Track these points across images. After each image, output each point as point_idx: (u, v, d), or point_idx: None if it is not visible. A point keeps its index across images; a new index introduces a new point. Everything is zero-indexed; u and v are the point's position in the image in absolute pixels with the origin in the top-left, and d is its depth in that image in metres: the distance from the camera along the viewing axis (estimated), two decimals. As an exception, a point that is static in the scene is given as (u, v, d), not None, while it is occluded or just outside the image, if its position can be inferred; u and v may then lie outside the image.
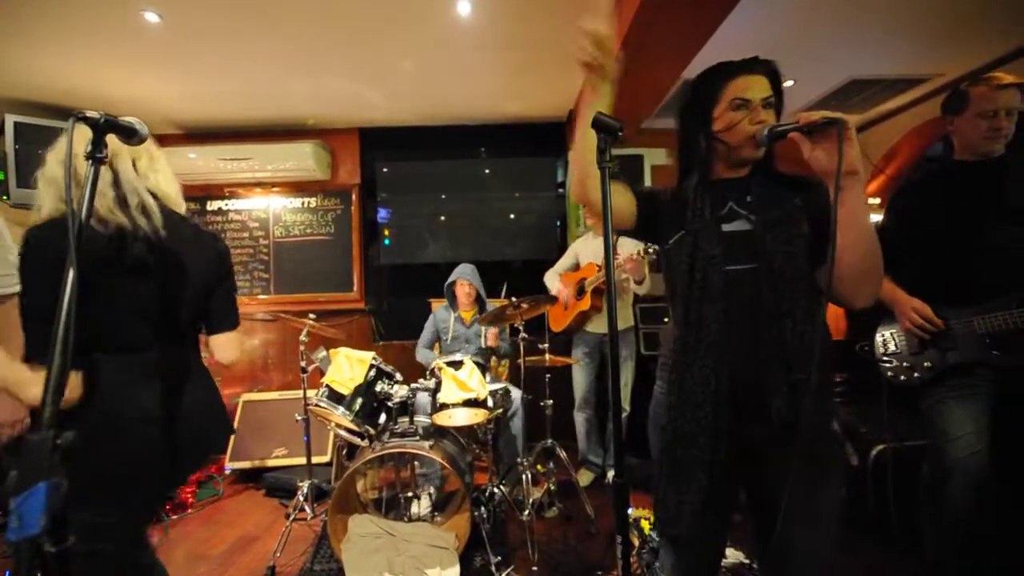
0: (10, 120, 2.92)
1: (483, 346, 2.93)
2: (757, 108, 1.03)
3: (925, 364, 1.60)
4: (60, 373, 0.73)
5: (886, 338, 1.73)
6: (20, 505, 0.64)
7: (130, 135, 0.91)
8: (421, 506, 2.42)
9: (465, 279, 2.90)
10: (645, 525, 2.12)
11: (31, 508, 0.64)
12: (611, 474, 2.93)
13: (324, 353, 2.41)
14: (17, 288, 1.31)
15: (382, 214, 3.91)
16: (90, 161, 0.84)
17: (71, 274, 0.76)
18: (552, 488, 2.63)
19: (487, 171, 3.93)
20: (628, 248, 2.58)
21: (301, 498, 2.47)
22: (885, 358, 1.72)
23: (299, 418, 2.49)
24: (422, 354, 3.02)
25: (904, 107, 3.45)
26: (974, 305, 1.52)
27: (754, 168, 1.10)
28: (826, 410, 1.05)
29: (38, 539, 0.65)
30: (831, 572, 1.05)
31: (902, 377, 1.66)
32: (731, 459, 1.05)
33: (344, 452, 3.09)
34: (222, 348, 1.36)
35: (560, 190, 3.91)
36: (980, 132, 1.52)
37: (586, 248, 3.04)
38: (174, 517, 2.70)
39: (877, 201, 3.71)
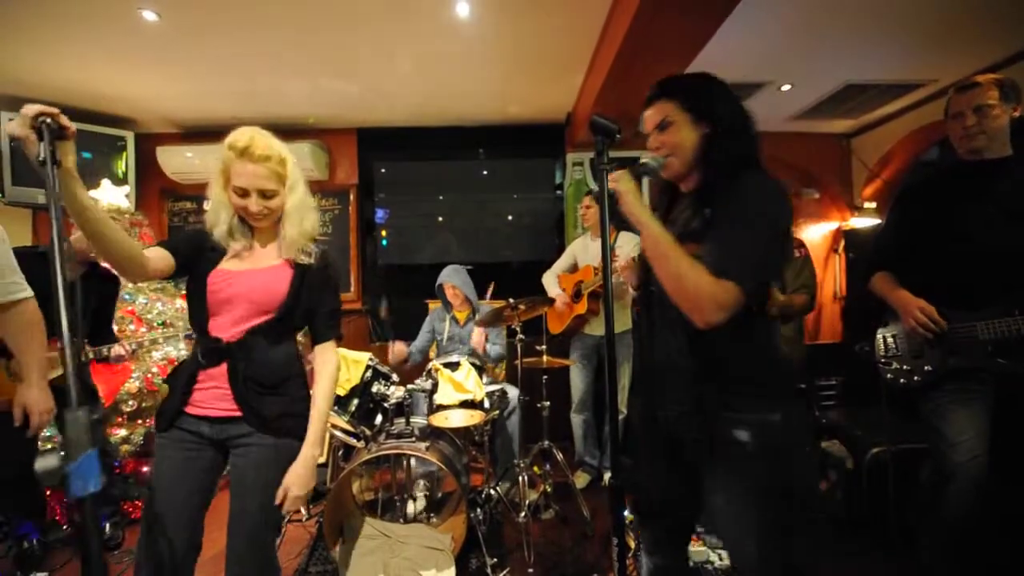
0: (4, 118, 2.90)
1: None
2: (654, 136, 1.16)
3: (925, 368, 1.59)
4: (76, 354, 0.79)
5: (887, 340, 1.73)
6: (78, 468, 0.73)
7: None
8: (417, 507, 2.41)
9: (449, 282, 2.84)
10: (642, 527, 2.12)
11: (88, 469, 0.74)
12: (608, 476, 2.92)
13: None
14: (27, 293, 1.50)
15: (380, 214, 3.90)
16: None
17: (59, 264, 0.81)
18: (548, 490, 2.62)
19: (485, 172, 3.93)
20: (627, 250, 2.57)
21: (296, 499, 2.45)
22: (884, 360, 1.72)
23: (294, 419, 2.46)
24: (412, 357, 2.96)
25: (900, 112, 3.47)
26: (975, 307, 1.50)
27: (700, 181, 1.15)
28: (728, 421, 1.02)
29: (95, 496, 0.75)
30: None
31: (901, 380, 1.66)
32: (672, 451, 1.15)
33: (340, 453, 3.06)
34: None
35: (558, 191, 3.91)
36: (955, 133, 1.58)
37: (585, 250, 3.04)
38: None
39: (873, 205, 3.73)
